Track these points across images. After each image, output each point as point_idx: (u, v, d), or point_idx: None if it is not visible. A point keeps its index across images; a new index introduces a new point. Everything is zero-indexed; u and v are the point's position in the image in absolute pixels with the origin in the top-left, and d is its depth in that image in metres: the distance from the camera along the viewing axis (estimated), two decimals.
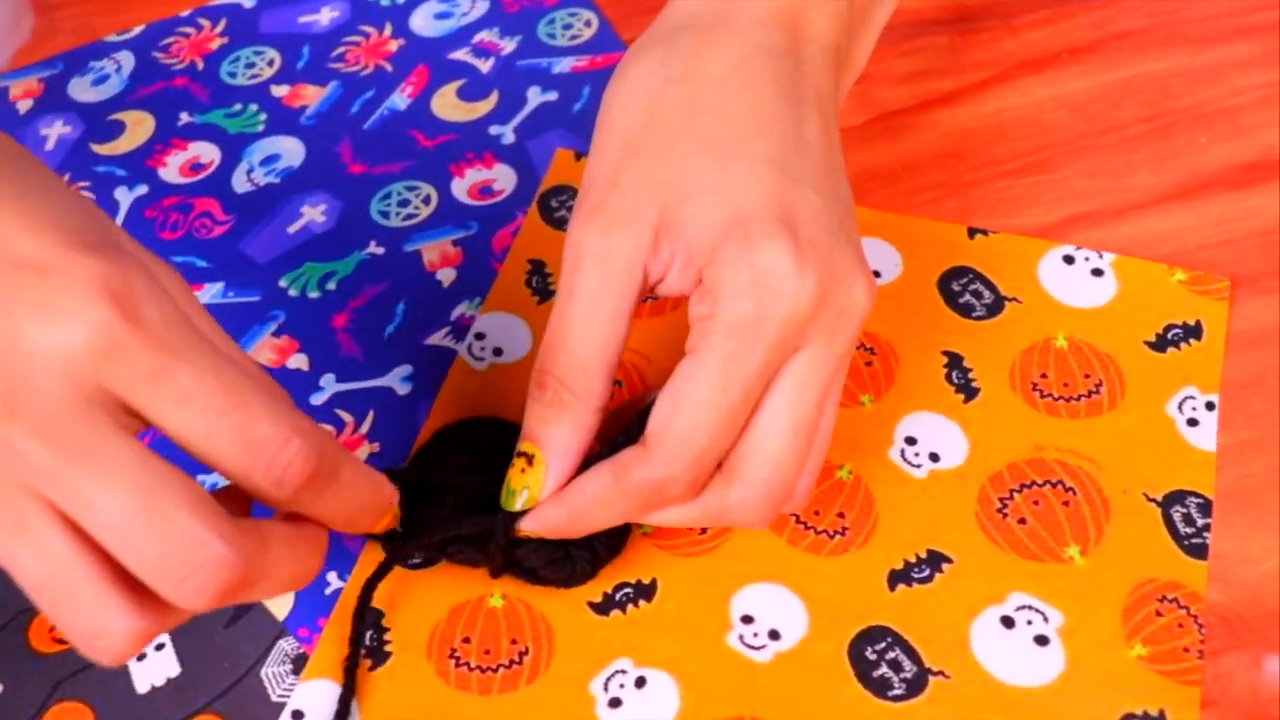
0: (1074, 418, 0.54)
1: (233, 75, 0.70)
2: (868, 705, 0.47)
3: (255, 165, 0.66)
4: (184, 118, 0.68)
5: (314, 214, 0.63)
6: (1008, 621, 0.49)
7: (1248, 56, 0.66)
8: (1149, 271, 0.58)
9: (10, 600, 0.51)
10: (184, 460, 0.37)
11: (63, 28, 0.73)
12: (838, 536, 0.51)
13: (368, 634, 0.49)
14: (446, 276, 0.60)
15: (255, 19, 0.73)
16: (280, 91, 0.69)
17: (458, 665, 0.49)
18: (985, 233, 0.60)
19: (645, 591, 0.50)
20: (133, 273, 0.36)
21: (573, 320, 0.44)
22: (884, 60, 0.67)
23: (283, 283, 0.60)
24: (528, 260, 0.60)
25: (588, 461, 0.45)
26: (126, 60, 0.72)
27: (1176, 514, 0.51)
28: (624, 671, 0.48)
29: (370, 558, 0.51)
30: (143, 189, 0.65)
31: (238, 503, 0.40)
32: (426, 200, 0.63)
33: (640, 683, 0.48)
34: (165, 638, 0.50)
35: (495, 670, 0.48)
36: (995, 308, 0.57)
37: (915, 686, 0.47)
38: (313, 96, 0.69)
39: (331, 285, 0.60)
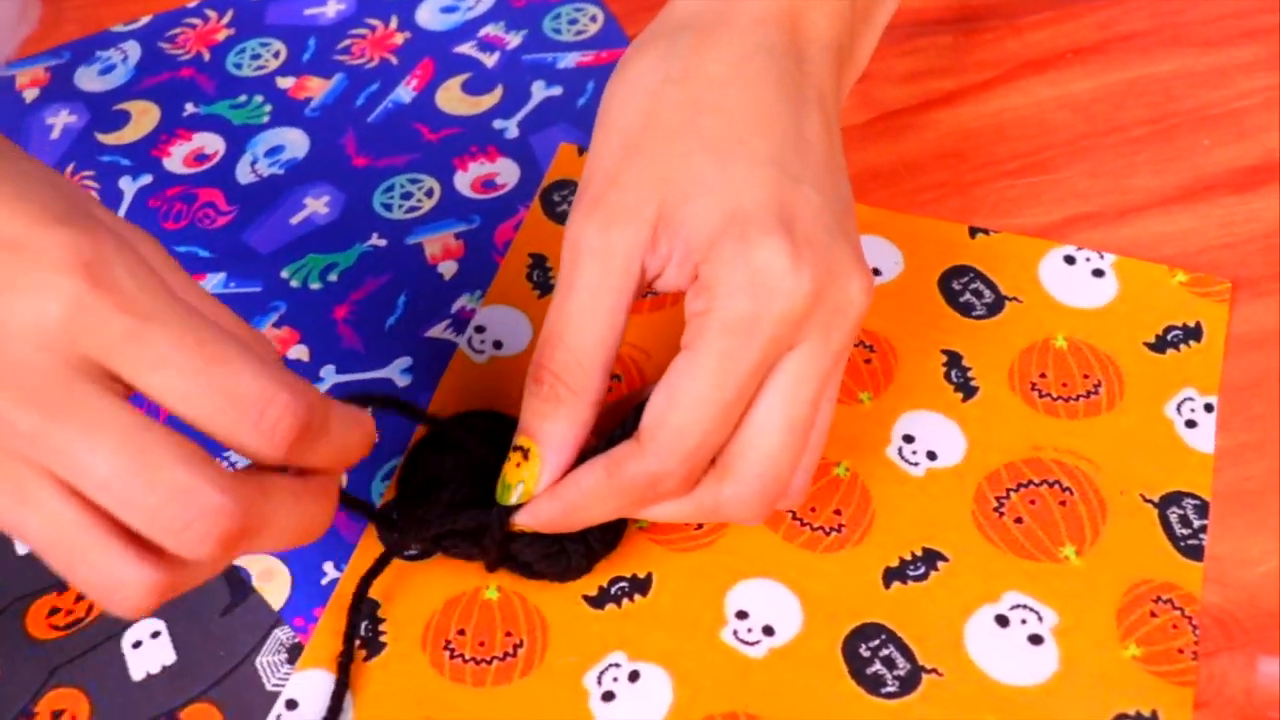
0: (1072, 418, 0.54)
1: (238, 66, 0.71)
2: (861, 702, 0.47)
3: (259, 156, 0.66)
4: (189, 108, 0.69)
5: (317, 205, 0.64)
6: (1002, 620, 0.49)
7: (1252, 59, 0.66)
8: (1150, 273, 0.58)
9: (7, 586, 0.52)
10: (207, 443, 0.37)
11: (69, 17, 0.74)
12: (834, 533, 0.51)
13: (363, 624, 0.49)
14: (448, 269, 0.60)
15: (262, 11, 0.73)
16: (285, 83, 0.69)
17: (452, 657, 0.49)
18: (986, 232, 0.60)
19: (640, 585, 0.50)
20: (103, 241, 0.36)
21: (570, 315, 0.44)
22: (887, 59, 0.67)
23: (284, 274, 0.61)
24: (529, 254, 0.60)
25: (584, 456, 0.46)
26: (133, 50, 0.72)
27: (1173, 515, 0.51)
28: (618, 665, 0.48)
29: (367, 550, 0.51)
30: (147, 179, 0.65)
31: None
32: (429, 193, 0.64)
33: (634, 676, 0.48)
34: (161, 625, 0.50)
35: (489, 662, 0.49)
36: (995, 307, 0.57)
37: (909, 684, 0.47)
38: (318, 88, 0.69)
39: (333, 277, 0.60)
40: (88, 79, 0.70)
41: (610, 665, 0.48)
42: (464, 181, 0.64)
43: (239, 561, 0.51)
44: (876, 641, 0.48)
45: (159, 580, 0.37)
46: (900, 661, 0.48)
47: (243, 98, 0.69)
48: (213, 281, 0.60)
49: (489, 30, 0.71)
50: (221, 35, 0.72)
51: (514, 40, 0.71)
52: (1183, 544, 0.50)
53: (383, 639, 0.49)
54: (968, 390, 0.55)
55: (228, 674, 0.49)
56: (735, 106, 0.44)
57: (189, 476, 0.36)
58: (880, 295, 0.58)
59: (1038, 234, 0.60)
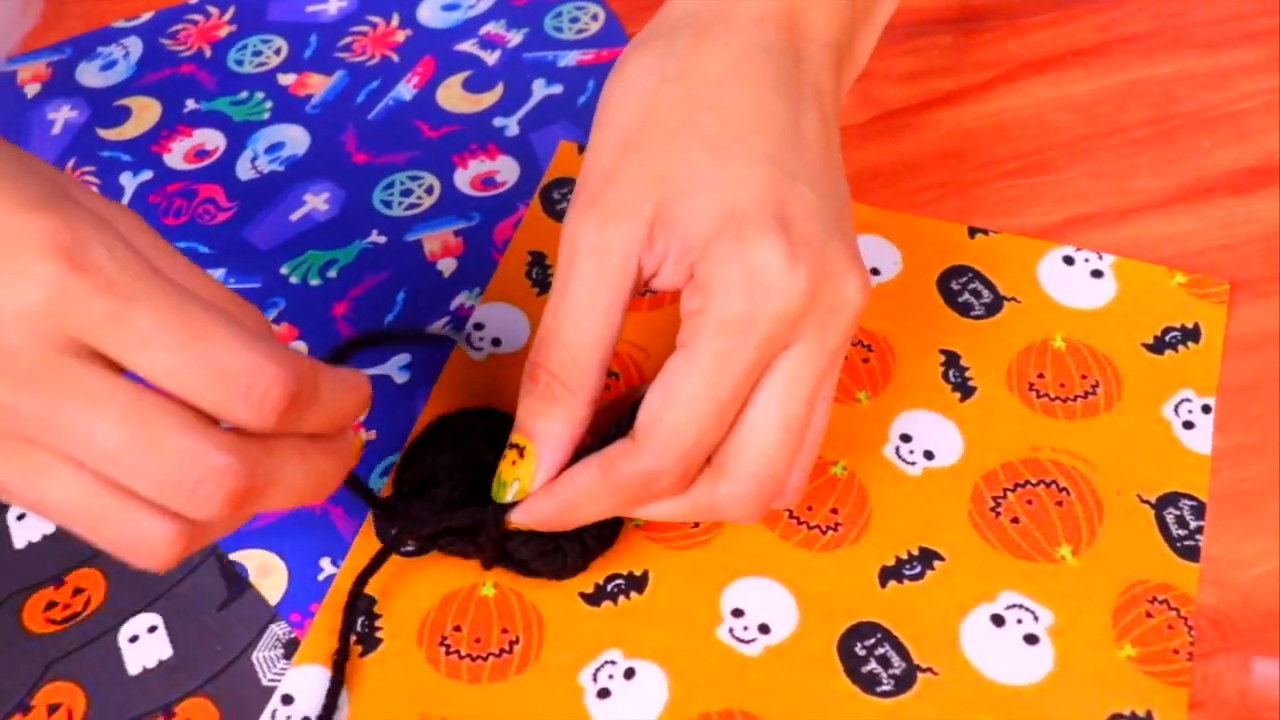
0: (1070, 418, 0.54)
1: (240, 63, 0.71)
2: (856, 701, 0.47)
3: (260, 153, 0.66)
4: (190, 104, 0.69)
5: (317, 202, 0.64)
6: (998, 620, 0.49)
7: (1253, 61, 0.66)
8: (1148, 274, 0.58)
9: (3, 580, 0.52)
10: None
11: (71, 13, 0.74)
12: (830, 532, 0.51)
13: (359, 620, 0.50)
14: (447, 266, 0.60)
15: (264, 7, 0.73)
16: (287, 80, 0.70)
17: (448, 653, 0.49)
18: (986, 232, 0.60)
19: (637, 583, 0.50)
20: (81, 223, 0.36)
21: (566, 314, 0.44)
22: (887, 59, 0.67)
23: (284, 270, 0.61)
24: (528, 252, 0.61)
25: (580, 454, 0.46)
26: (134, 46, 0.72)
27: (1170, 516, 0.51)
28: (613, 662, 0.48)
29: (364, 546, 0.51)
30: (147, 175, 0.65)
31: None
32: (429, 190, 0.64)
33: (629, 674, 0.48)
34: (158, 620, 0.50)
35: (485, 659, 0.49)
36: (994, 307, 0.57)
37: (904, 683, 0.47)
38: (319, 85, 0.69)
39: (333, 273, 0.61)
40: (89, 74, 0.71)
41: (606, 662, 0.48)
42: (464, 179, 0.64)
43: (236, 557, 0.52)
44: (872, 640, 0.48)
45: (181, 530, 0.38)
46: (896, 660, 0.48)
47: (244, 94, 0.69)
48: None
49: (490, 28, 0.71)
50: (223, 32, 0.72)
51: (515, 38, 0.71)
52: (1179, 545, 0.50)
53: (379, 635, 0.49)
54: (965, 390, 0.55)
55: (224, 669, 0.49)
56: (733, 104, 0.44)
57: (192, 441, 0.36)
58: (879, 295, 0.58)
59: (1037, 234, 0.60)
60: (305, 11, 0.73)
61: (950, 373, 0.55)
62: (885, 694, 0.47)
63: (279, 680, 0.49)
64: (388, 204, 0.63)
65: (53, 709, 0.48)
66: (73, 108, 0.69)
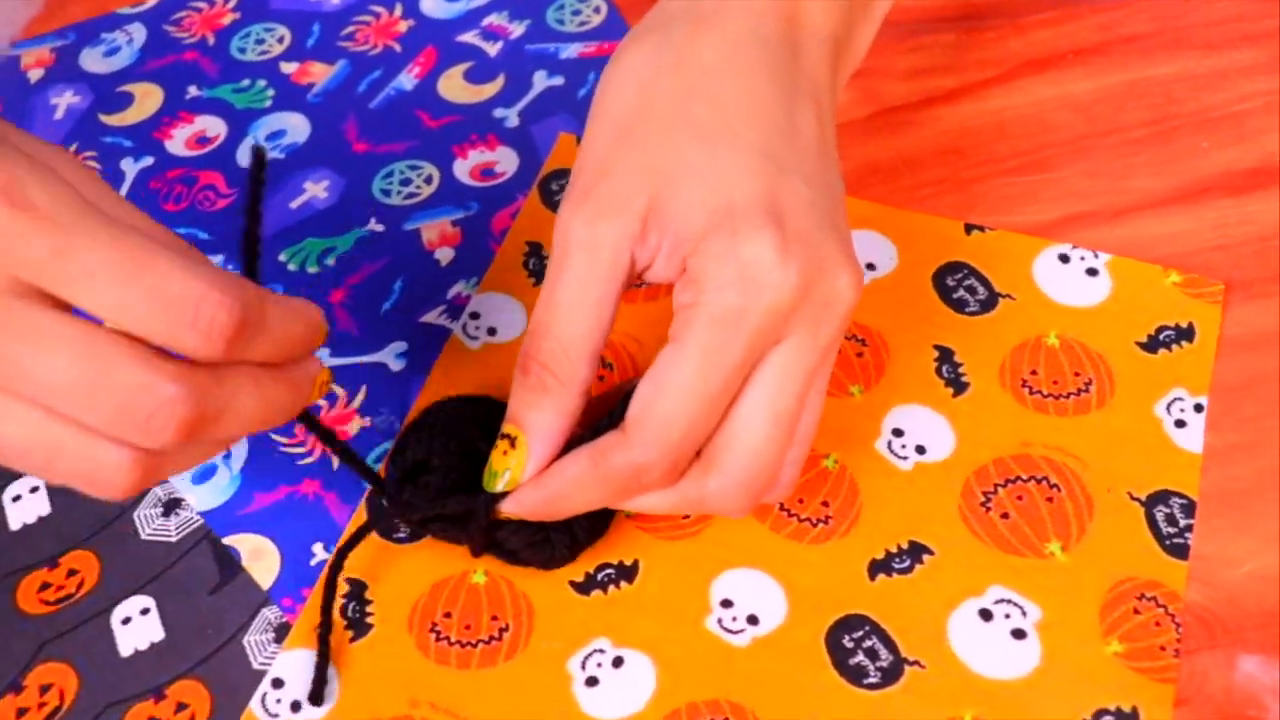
0: (1062, 415, 0.54)
1: (243, 51, 0.71)
2: (843, 692, 0.47)
3: (260, 140, 0.66)
4: (192, 91, 0.69)
5: (316, 190, 0.64)
6: (986, 614, 0.49)
7: (1253, 63, 0.66)
8: (1143, 272, 0.58)
9: None
10: None
11: None
12: (820, 525, 0.51)
13: (350, 605, 0.50)
14: (445, 256, 0.61)
15: None
16: (289, 68, 0.70)
17: (438, 639, 0.49)
18: (982, 229, 0.60)
19: (627, 573, 0.50)
20: (15, 164, 0.36)
21: (558, 306, 0.44)
22: (889, 56, 0.68)
23: (282, 257, 0.61)
24: (526, 242, 0.61)
25: (571, 445, 0.46)
26: (138, 33, 0.72)
27: (1159, 514, 0.51)
28: (602, 651, 0.49)
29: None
30: (148, 160, 0.66)
31: None
32: (428, 180, 0.64)
33: (618, 663, 0.48)
34: (151, 603, 0.51)
35: (475, 645, 0.49)
36: (989, 304, 0.57)
37: (891, 675, 0.48)
38: (320, 74, 0.69)
39: (331, 261, 0.61)
40: (92, 60, 0.71)
41: (594, 651, 0.49)
42: (463, 169, 0.64)
43: (229, 541, 0.52)
44: (860, 633, 0.49)
45: (137, 459, 0.38)
46: (883, 653, 0.48)
47: (246, 82, 0.69)
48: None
49: (492, 19, 0.72)
50: (227, 19, 0.73)
51: (517, 30, 0.71)
52: (1168, 542, 0.50)
53: (370, 620, 0.50)
54: (958, 386, 0.55)
55: (215, 652, 0.49)
56: (727, 96, 0.44)
57: (143, 373, 0.37)
58: (874, 290, 0.58)
59: (1034, 232, 0.60)
60: (308, 0, 0.73)
61: (944, 368, 0.55)
62: (872, 686, 0.47)
63: (270, 664, 0.49)
64: (387, 193, 0.63)
65: (45, 689, 0.49)
66: (75, 93, 0.69)
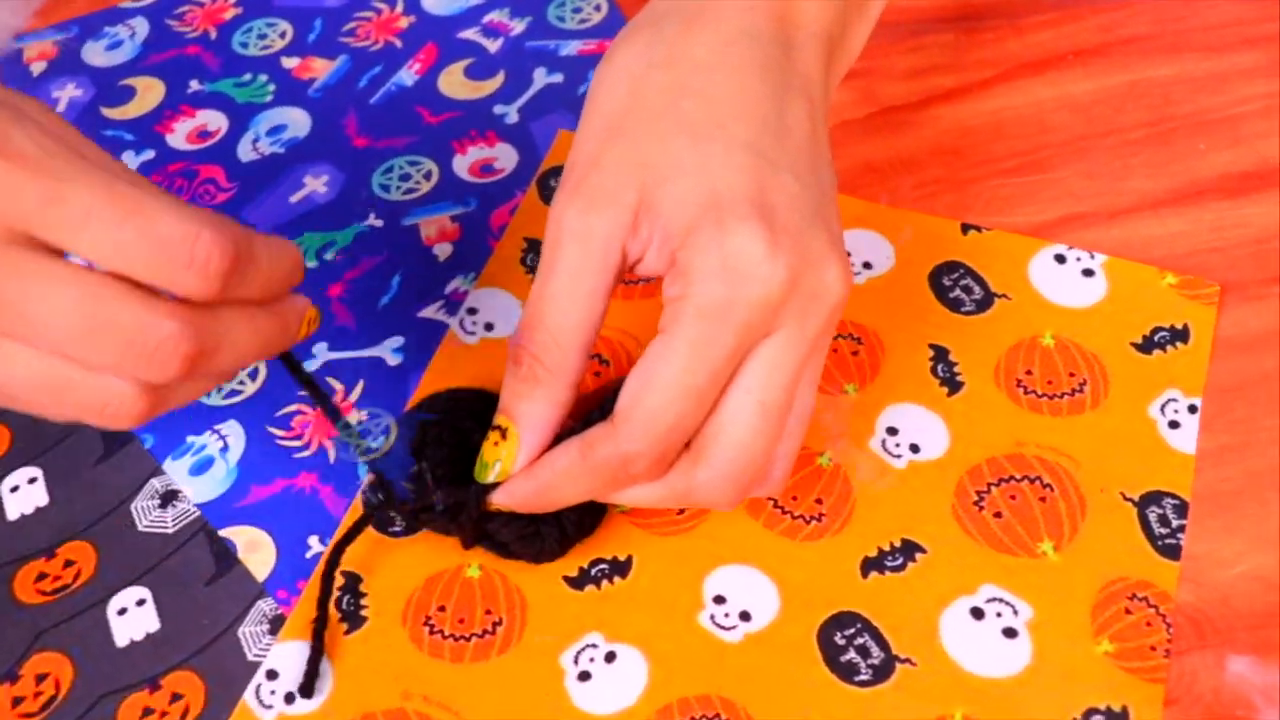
0: (1056, 415, 0.54)
1: (244, 45, 0.71)
2: (834, 689, 0.48)
3: (261, 135, 0.67)
4: (194, 85, 0.69)
5: (316, 185, 0.64)
6: (977, 613, 0.49)
7: (1252, 66, 0.66)
8: (1139, 274, 0.58)
9: None
10: None
11: None
12: (814, 522, 0.51)
13: (345, 598, 0.50)
14: (443, 251, 0.61)
15: None
16: (290, 63, 0.70)
17: (432, 633, 0.49)
18: (979, 229, 0.60)
19: (620, 568, 0.51)
20: None
21: (550, 298, 0.44)
22: (888, 56, 0.68)
23: None
24: (524, 238, 0.61)
25: (562, 437, 0.46)
26: (140, 26, 0.72)
27: (1152, 514, 0.51)
28: (595, 646, 0.49)
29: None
30: (150, 154, 0.66)
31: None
32: (428, 175, 0.64)
33: (610, 657, 0.48)
34: (146, 593, 0.51)
35: (468, 639, 0.49)
36: (984, 303, 0.58)
37: (882, 672, 0.48)
38: (321, 69, 0.70)
39: (329, 255, 0.61)
40: (95, 54, 0.71)
41: (587, 645, 0.49)
42: (462, 165, 0.64)
43: (225, 533, 0.52)
44: (852, 630, 0.49)
45: (145, 388, 0.39)
46: (875, 650, 0.48)
47: (247, 76, 0.70)
48: None
49: (493, 16, 0.72)
50: (229, 14, 0.73)
51: (518, 27, 0.71)
52: (1160, 543, 0.50)
53: (364, 613, 0.50)
54: (953, 385, 0.55)
55: (210, 643, 0.50)
56: (717, 91, 0.45)
57: (145, 313, 0.37)
58: (870, 288, 0.58)
59: (1031, 232, 0.60)
60: None
61: (939, 367, 0.56)
62: (863, 683, 0.48)
63: (264, 655, 0.49)
64: (386, 188, 0.64)
65: (40, 678, 0.49)
66: (78, 86, 0.70)
